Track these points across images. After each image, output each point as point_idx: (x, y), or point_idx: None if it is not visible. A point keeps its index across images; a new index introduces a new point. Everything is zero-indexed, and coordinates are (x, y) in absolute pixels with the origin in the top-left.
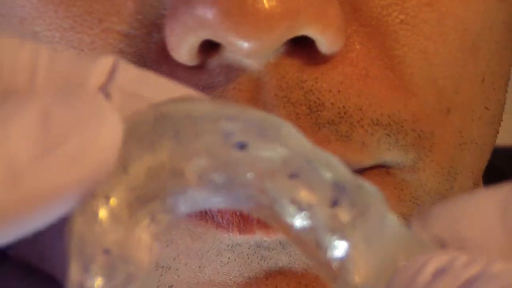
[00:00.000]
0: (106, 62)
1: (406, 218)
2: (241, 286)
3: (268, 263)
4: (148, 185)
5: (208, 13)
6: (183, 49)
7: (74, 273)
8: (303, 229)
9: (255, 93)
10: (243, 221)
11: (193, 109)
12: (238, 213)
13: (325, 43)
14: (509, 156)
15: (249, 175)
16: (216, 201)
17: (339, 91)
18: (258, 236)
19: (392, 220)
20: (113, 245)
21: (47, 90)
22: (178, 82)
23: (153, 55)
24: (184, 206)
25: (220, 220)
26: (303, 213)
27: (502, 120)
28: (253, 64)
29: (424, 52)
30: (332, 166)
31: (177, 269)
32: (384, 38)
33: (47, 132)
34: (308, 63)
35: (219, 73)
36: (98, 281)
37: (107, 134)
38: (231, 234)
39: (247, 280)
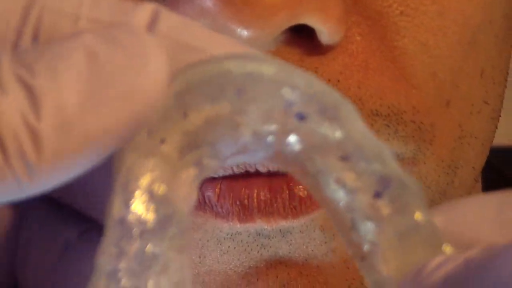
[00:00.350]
0: (147, 8)
1: None
2: (242, 275)
3: (268, 251)
4: (203, 133)
5: (208, 1)
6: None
7: (116, 208)
8: (342, 207)
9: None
10: (243, 210)
11: (258, 70)
12: (238, 202)
13: (325, 33)
14: (508, 156)
15: (302, 145)
16: (262, 157)
17: (338, 81)
18: (259, 224)
19: (427, 222)
20: (158, 185)
21: (92, 31)
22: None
23: None
24: (231, 154)
25: (220, 209)
26: (345, 193)
27: (500, 116)
28: None
29: (424, 44)
30: (383, 158)
31: None
32: (385, 30)
33: (95, 74)
34: (308, 53)
35: None
36: (139, 218)
37: (153, 74)
38: (231, 223)
39: (247, 270)
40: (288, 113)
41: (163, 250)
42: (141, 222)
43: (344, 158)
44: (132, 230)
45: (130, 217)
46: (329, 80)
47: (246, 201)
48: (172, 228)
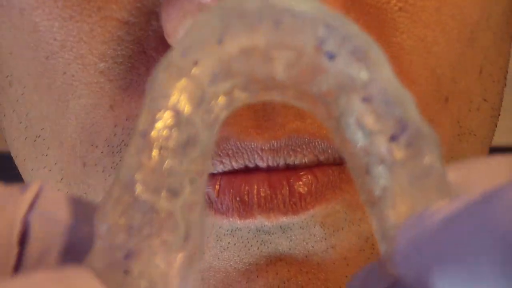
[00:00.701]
0: (31, 190)
1: None
2: (242, 272)
3: (268, 247)
4: (237, 62)
5: None
6: (180, 34)
7: (141, 121)
8: (359, 150)
9: None
10: (243, 206)
11: (297, 5)
12: (238, 198)
13: None
14: None
15: (329, 85)
16: (291, 95)
17: None
18: (259, 220)
19: (439, 169)
20: (186, 105)
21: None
22: None
23: (151, 42)
24: (262, 88)
25: (220, 206)
26: (363, 136)
27: (500, 115)
28: None
29: (422, 40)
30: (404, 103)
31: None
32: (383, 26)
33: None
34: None
35: None
36: (161, 134)
37: None
38: (231, 219)
39: (248, 267)
40: (319, 50)
41: (181, 170)
42: (163, 138)
43: (366, 100)
44: (153, 144)
45: (153, 132)
46: None
47: (246, 197)
48: (194, 151)
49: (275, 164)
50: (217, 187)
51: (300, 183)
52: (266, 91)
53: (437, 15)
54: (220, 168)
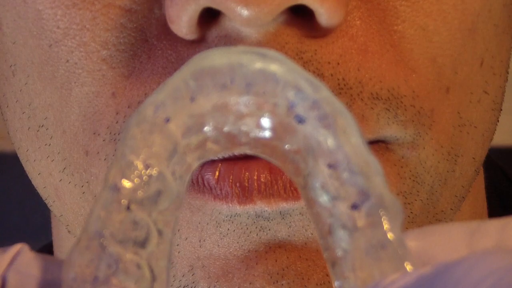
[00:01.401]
0: (11, 251)
1: (406, 196)
2: (241, 259)
3: (267, 234)
4: (209, 118)
5: None
6: (183, 20)
7: (111, 174)
8: (323, 211)
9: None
10: (242, 192)
11: (268, 67)
12: (237, 184)
13: (324, 14)
14: (509, 156)
15: (298, 146)
16: (260, 151)
17: (338, 64)
18: (259, 206)
19: (397, 240)
20: (155, 161)
21: None
22: (178, 56)
23: (154, 30)
24: (234, 142)
25: (219, 191)
26: (328, 199)
27: (501, 111)
28: (252, 33)
29: (424, 29)
30: (368, 173)
31: (177, 245)
32: (384, 14)
33: None
34: (308, 35)
35: (217, 43)
36: (130, 188)
37: None
38: (230, 205)
39: (247, 254)
40: (289, 113)
41: (150, 221)
42: (132, 192)
43: (332, 166)
44: (122, 198)
45: (123, 186)
46: (328, 63)
47: (246, 183)
48: (163, 203)
49: None
50: (217, 173)
51: None
52: (238, 145)
53: (439, 4)
54: (220, 155)
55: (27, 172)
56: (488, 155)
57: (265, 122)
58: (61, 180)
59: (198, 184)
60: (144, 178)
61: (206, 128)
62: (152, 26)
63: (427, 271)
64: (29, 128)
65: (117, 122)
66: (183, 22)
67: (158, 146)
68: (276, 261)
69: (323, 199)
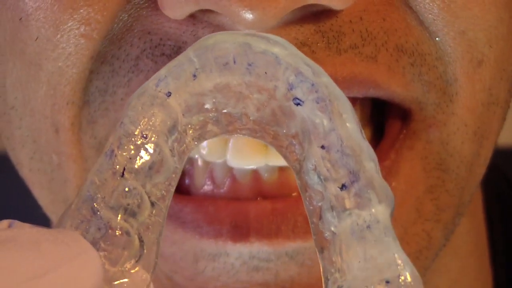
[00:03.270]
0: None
1: (432, 191)
2: None
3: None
4: (210, 97)
5: None
6: (176, 13)
7: (109, 143)
8: (315, 194)
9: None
10: (236, 230)
11: (271, 50)
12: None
13: (336, 3)
14: (509, 156)
15: (295, 129)
16: (260, 136)
17: (361, 18)
18: (255, 246)
19: (383, 222)
20: (153, 133)
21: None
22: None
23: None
24: (233, 126)
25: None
26: (319, 181)
27: None
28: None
29: (448, 5)
30: (360, 156)
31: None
32: None
33: (41, 259)
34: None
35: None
36: (127, 156)
37: (90, 270)
38: (223, 244)
39: None
40: (288, 95)
41: (143, 192)
42: (128, 161)
43: (325, 147)
44: (117, 165)
45: (120, 154)
46: (350, 22)
47: (240, 221)
48: (158, 176)
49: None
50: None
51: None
52: (238, 128)
53: None
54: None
55: (15, 166)
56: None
57: (265, 104)
58: (30, 170)
59: (176, 219)
60: (140, 148)
61: (206, 107)
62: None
63: None
64: (4, 113)
65: (91, 81)
66: (176, 14)
67: (157, 119)
68: None
69: (315, 181)
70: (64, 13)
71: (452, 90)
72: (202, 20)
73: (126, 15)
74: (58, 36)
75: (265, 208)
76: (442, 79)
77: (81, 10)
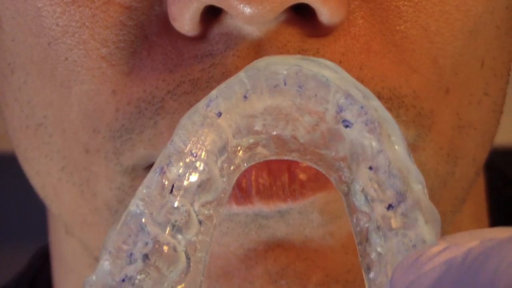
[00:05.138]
0: None
1: None
2: (241, 259)
3: (266, 232)
4: (260, 119)
5: None
6: (185, 17)
7: (160, 159)
8: (362, 215)
9: (255, 60)
10: (240, 193)
11: (322, 72)
12: (235, 185)
13: (326, 13)
14: (509, 156)
15: (344, 152)
16: (308, 159)
17: (340, 62)
18: (257, 207)
19: (431, 241)
20: (203, 153)
21: None
22: (178, 53)
23: (154, 27)
24: (282, 149)
25: None
26: (366, 202)
27: (502, 112)
28: (254, 31)
29: (425, 30)
30: (407, 177)
31: None
32: (387, 14)
33: None
34: (310, 34)
35: (218, 41)
36: (176, 175)
37: None
38: (228, 206)
39: (246, 253)
40: (337, 119)
41: (191, 210)
42: (177, 178)
43: (373, 168)
44: (166, 182)
45: (169, 171)
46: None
47: (244, 184)
48: (206, 195)
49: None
50: None
51: (300, 169)
52: (287, 151)
53: (441, 5)
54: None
55: (25, 171)
56: (488, 157)
57: (315, 127)
58: (59, 179)
59: None
60: (190, 166)
61: (256, 128)
62: (152, 23)
63: (475, 245)
64: (27, 126)
65: (116, 119)
66: (185, 20)
67: (207, 139)
68: (275, 260)
69: (362, 202)
70: (86, 34)
71: (429, 121)
72: (214, 38)
73: (146, 52)
74: (84, 58)
75: (262, 168)
76: (420, 115)
77: (100, 31)
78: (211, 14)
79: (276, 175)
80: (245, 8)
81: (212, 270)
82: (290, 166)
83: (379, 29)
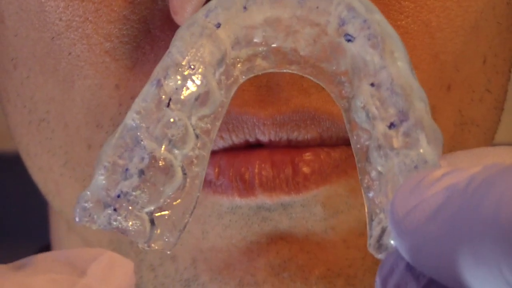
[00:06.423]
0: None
1: None
2: (243, 251)
3: (269, 225)
4: (260, 31)
5: None
6: (187, 11)
7: (156, 72)
8: (363, 132)
9: None
10: (243, 185)
11: None
12: (238, 178)
13: None
14: None
15: (345, 66)
16: (308, 72)
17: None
18: (260, 199)
19: (431, 162)
20: (201, 65)
21: None
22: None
23: (157, 21)
24: (282, 61)
25: (219, 186)
26: (367, 119)
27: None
28: None
29: (426, 25)
30: (410, 95)
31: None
32: (388, 9)
33: None
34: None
35: None
36: (172, 86)
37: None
38: (231, 198)
39: (249, 245)
40: (339, 32)
41: (187, 124)
42: (174, 91)
43: (374, 85)
44: (163, 94)
45: (166, 83)
46: None
47: (246, 176)
48: (204, 109)
49: (277, 139)
50: (217, 169)
51: (304, 162)
52: (287, 64)
53: (442, 1)
54: (220, 144)
55: (27, 167)
56: None
57: (316, 40)
58: (61, 174)
59: None
60: (187, 79)
61: (255, 40)
62: (155, 17)
63: (478, 170)
64: (30, 122)
65: (120, 113)
66: (187, 14)
67: (205, 50)
68: (277, 253)
69: (363, 119)
70: (89, 29)
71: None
72: None
73: (149, 46)
74: (87, 53)
75: (266, 160)
76: None
77: (104, 25)
78: None
79: (280, 168)
80: None
81: (214, 262)
82: (293, 159)
83: None
